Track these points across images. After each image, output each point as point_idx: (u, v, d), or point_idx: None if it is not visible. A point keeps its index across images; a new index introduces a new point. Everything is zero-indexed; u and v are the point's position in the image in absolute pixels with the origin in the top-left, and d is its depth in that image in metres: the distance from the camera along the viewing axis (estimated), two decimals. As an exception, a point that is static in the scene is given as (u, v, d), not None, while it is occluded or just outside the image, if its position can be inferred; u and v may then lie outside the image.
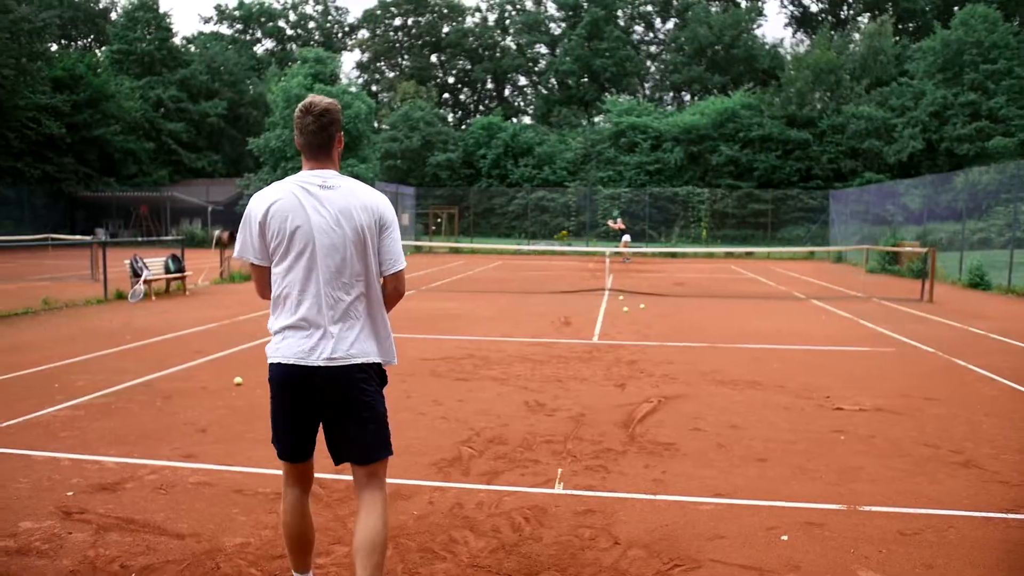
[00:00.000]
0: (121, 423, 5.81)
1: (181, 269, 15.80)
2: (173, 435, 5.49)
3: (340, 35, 73.44)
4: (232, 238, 20.20)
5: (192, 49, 53.30)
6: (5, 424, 5.73)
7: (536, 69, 69.53)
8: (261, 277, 2.95)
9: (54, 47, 51.75)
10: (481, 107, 72.41)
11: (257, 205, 2.82)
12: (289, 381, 2.82)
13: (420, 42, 71.69)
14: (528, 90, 72.96)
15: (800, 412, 6.29)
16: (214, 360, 8.41)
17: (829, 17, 61.88)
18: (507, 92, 73.44)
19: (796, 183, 42.88)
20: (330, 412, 2.86)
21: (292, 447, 2.91)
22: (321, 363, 2.77)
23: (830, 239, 34.45)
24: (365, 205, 2.83)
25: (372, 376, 2.89)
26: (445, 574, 3.40)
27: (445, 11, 70.18)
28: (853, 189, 34.06)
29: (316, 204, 2.78)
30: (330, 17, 72.45)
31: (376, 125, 60.96)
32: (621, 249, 26.98)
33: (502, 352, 9.01)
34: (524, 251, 32.97)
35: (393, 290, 2.99)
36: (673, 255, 32.55)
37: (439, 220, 40.09)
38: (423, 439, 5.45)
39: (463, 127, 61.99)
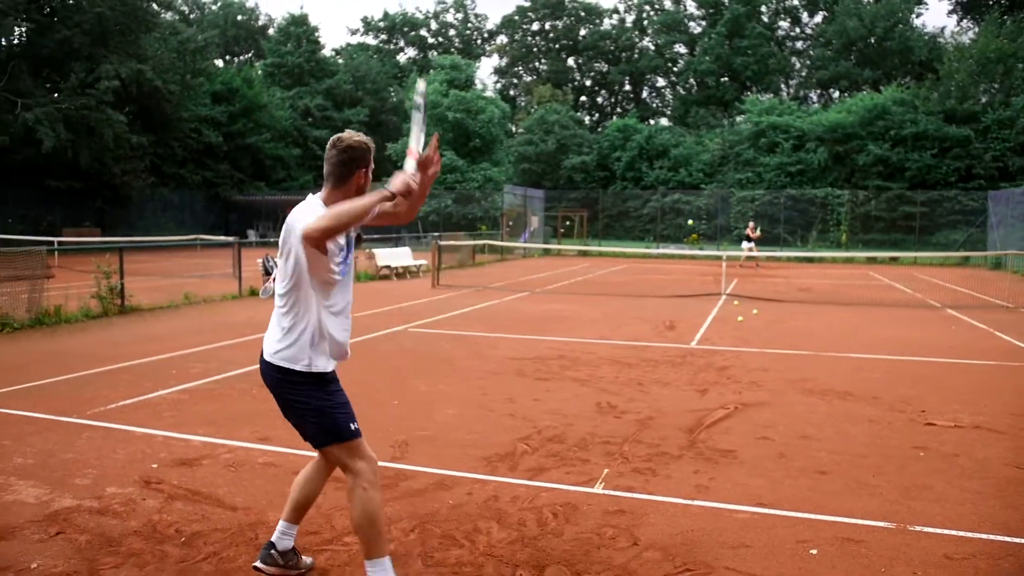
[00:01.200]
0: (217, 407, 6.36)
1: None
2: (257, 419, 5.95)
3: (479, 41, 75.29)
4: (360, 239, 21.31)
5: (338, 60, 56.32)
6: (121, 403, 6.41)
7: (674, 69, 68.36)
8: None
9: (220, 63, 56.43)
10: (618, 109, 72.04)
11: None
12: None
13: (557, 46, 72.27)
14: (666, 91, 71.92)
15: (885, 426, 5.95)
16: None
17: (1001, 1, 56.85)
18: (644, 94, 72.66)
19: (954, 183, 39.70)
20: None
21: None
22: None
23: (988, 244, 31.68)
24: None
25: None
26: (458, 560, 3.54)
27: (582, 14, 70.38)
28: (1021, 189, 31.14)
29: None
30: (469, 24, 74.41)
31: (512, 129, 62.16)
32: (745, 254, 26.25)
33: (593, 354, 9.03)
34: (652, 254, 32.53)
35: None
36: (809, 260, 31.07)
37: (568, 223, 40.23)
38: (483, 434, 5.61)
39: (599, 130, 61.90)
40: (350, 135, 3.16)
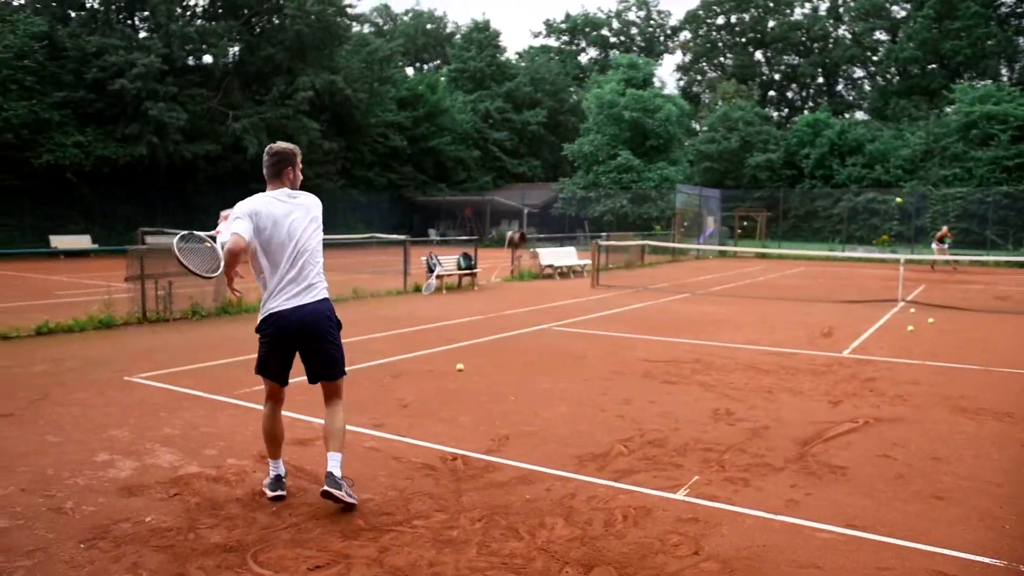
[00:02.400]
0: (347, 394, 6.80)
1: (471, 266, 17.45)
2: (378, 407, 6.34)
3: (661, 38, 74.06)
4: (523, 239, 21.75)
5: (519, 63, 57.65)
6: (259, 388, 7.04)
7: (873, 58, 63.42)
8: None
9: (410, 71, 59.69)
10: (809, 104, 68.06)
11: None
12: None
13: (744, 39, 69.50)
14: (863, 82, 66.87)
15: (1040, 452, 5.28)
16: (458, 347, 9.34)
17: None
18: (839, 86, 68.06)
19: None
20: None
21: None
22: None
23: None
24: None
25: None
26: (512, 552, 3.62)
27: (771, 5, 67.17)
28: None
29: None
30: (652, 21, 73.38)
31: (696, 127, 60.56)
32: (936, 257, 24.04)
33: (731, 359, 8.71)
34: (835, 257, 30.49)
35: None
36: (1020, 265, 27.75)
37: (746, 223, 38.62)
38: (586, 433, 5.62)
39: (788, 125, 58.84)
40: (280, 144, 4.27)
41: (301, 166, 4.30)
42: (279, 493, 4.24)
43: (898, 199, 37.15)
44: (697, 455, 5.13)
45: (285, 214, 4.06)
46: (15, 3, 29.00)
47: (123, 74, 26.73)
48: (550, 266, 20.74)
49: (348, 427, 5.64)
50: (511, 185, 47.97)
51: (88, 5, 29.78)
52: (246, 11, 33.24)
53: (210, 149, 29.79)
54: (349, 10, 35.58)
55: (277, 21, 32.09)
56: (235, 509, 4.11)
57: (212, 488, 4.41)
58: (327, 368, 4.23)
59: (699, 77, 72.60)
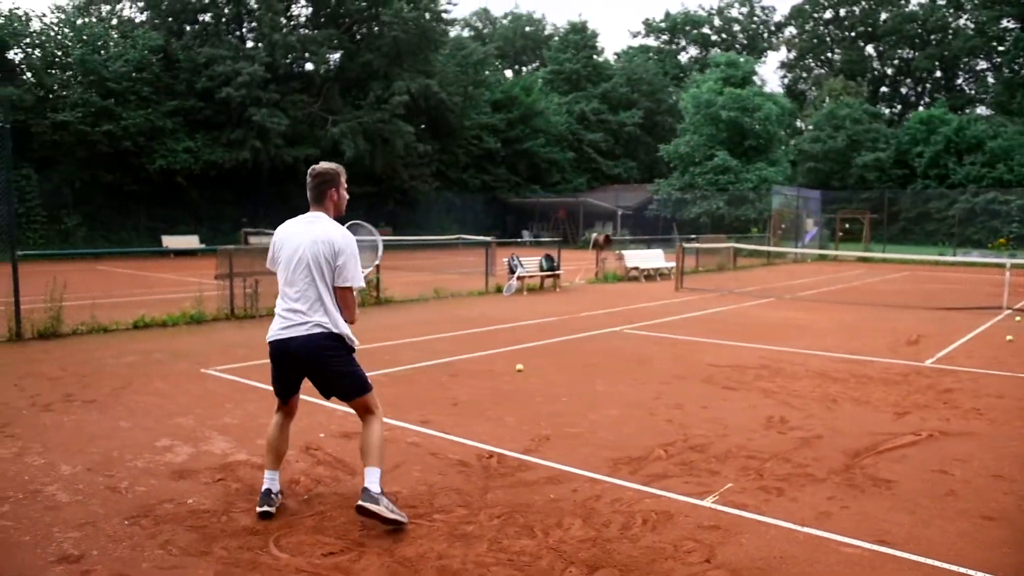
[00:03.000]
0: (403, 391, 7.03)
1: (553, 268, 17.49)
2: (429, 404, 6.49)
3: (765, 35, 71.85)
4: (608, 240, 21.61)
5: (614, 63, 57.21)
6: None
7: (999, 49, 59.41)
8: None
9: (509, 73, 60.27)
10: (924, 99, 64.46)
11: None
12: None
13: (853, 33, 66.55)
14: (987, 75, 62.72)
15: (1120, 474, 4.88)
16: (524, 348, 9.41)
17: None
18: (958, 80, 64.13)
19: None
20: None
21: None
22: None
23: None
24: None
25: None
26: (521, 549, 3.66)
27: (884, -4, 64.01)
28: None
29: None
30: (755, 18, 71.31)
31: (800, 125, 58.41)
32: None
33: (801, 366, 8.43)
34: (943, 261, 28.80)
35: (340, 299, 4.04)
36: None
37: (847, 225, 36.96)
38: (628, 436, 5.59)
39: (901, 123, 55.90)
40: (322, 165, 4.12)
41: (346, 186, 4.14)
42: (264, 509, 4.01)
43: (1001, 240, 34.70)
44: (737, 462, 5.02)
45: (296, 240, 3.95)
46: (137, 19, 31.13)
47: (229, 83, 28.24)
48: (635, 268, 20.53)
49: (394, 422, 5.84)
50: (605, 187, 47.70)
51: (201, 19, 31.61)
52: (347, 19, 34.45)
53: (309, 153, 31.03)
54: (444, 15, 36.32)
55: (376, 28, 33.12)
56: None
57: (254, 475, 4.66)
58: (338, 392, 4.11)
59: (804, 74, 70.03)
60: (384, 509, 3.78)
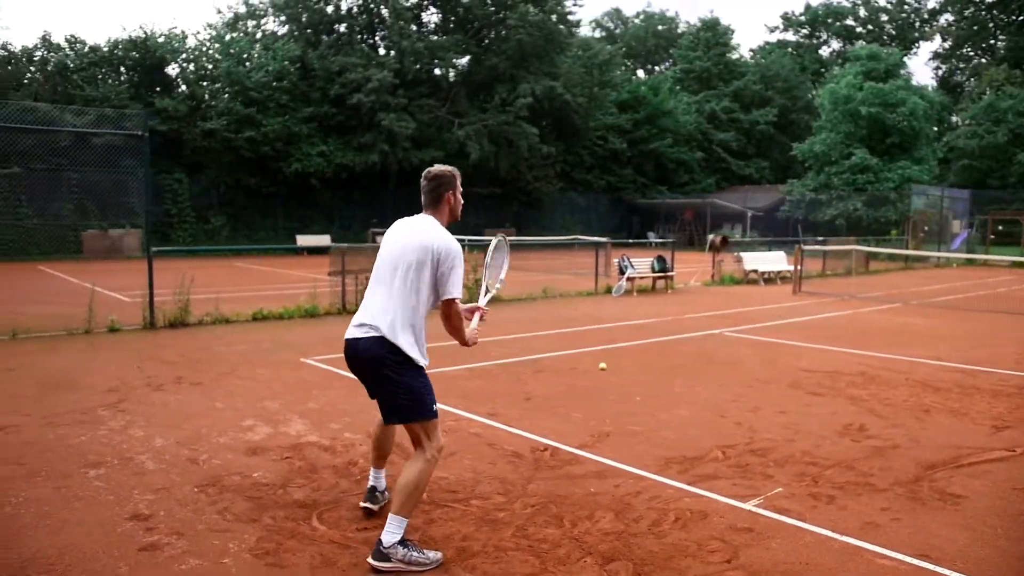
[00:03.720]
0: (481, 384, 7.24)
1: (665, 269, 17.25)
2: (502, 398, 6.66)
3: (917, 24, 67.24)
4: (725, 242, 21.03)
5: (749, 60, 55.36)
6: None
7: None
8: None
9: (641, 73, 59.62)
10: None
11: None
12: None
13: (1021, 18, 61.03)
14: None
15: None
16: (615, 348, 9.43)
17: None
18: None
19: None
20: None
21: None
22: None
23: None
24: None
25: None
26: (544, 537, 3.75)
27: (1057, -24, 58.31)
28: None
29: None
30: (905, 6, 66.90)
31: (954, 120, 54.27)
32: None
33: (903, 374, 7.97)
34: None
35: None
36: None
37: (1000, 227, 34.03)
38: (690, 437, 5.53)
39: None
40: (437, 167, 3.83)
41: (461, 189, 3.85)
42: (365, 505, 4.03)
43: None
44: (797, 468, 4.87)
45: (396, 241, 3.71)
46: (279, 32, 33.30)
47: (360, 89, 29.67)
48: (754, 271, 19.89)
49: (462, 412, 6.05)
50: (735, 187, 46.30)
51: (337, 29, 33.37)
52: (475, 24, 35.31)
53: (436, 155, 32.03)
54: (570, 17, 36.49)
55: (502, 32, 33.76)
56: (326, 474, 4.63)
57: (319, 455, 4.99)
58: (385, 410, 3.76)
59: (961, 64, 64.96)
60: (399, 564, 3.40)
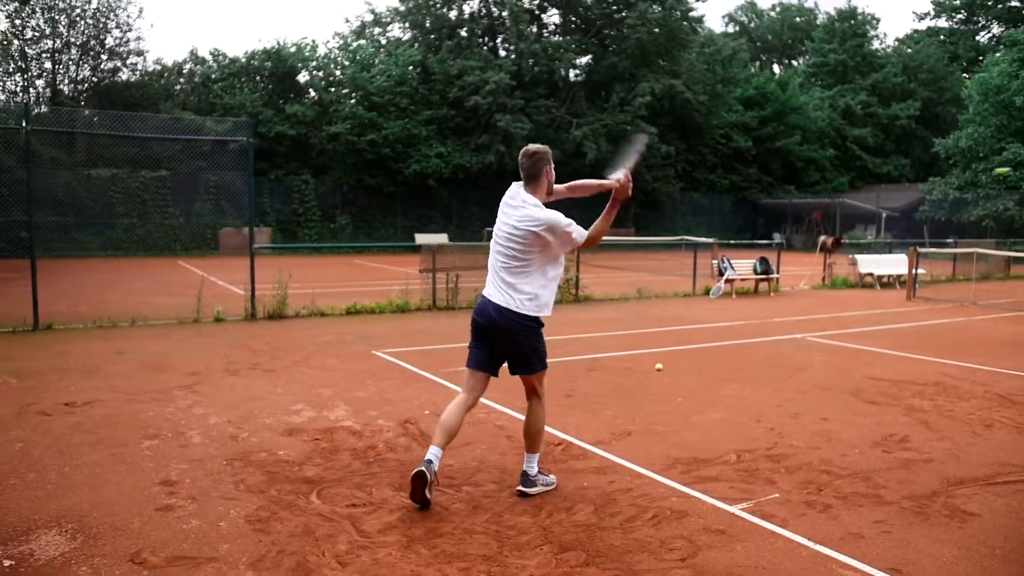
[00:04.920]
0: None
1: (768, 271, 16.74)
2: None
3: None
4: (837, 243, 20.07)
5: (890, 51, 52.07)
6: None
7: None
8: None
9: (776, 68, 57.35)
10: None
11: None
12: None
13: None
14: None
15: None
16: (683, 350, 9.38)
17: None
18: None
19: None
20: None
21: None
22: None
23: None
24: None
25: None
26: (513, 524, 3.93)
27: None
28: None
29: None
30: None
31: None
32: None
33: (983, 385, 7.48)
34: None
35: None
36: None
37: None
38: (712, 439, 5.51)
39: None
40: (534, 145, 4.46)
41: (553, 164, 4.44)
42: (418, 469, 4.06)
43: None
44: (807, 475, 4.78)
45: (504, 214, 4.32)
46: (403, 38, 34.69)
47: (478, 91, 30.45)
48: (869, 274, 18.90)
49: (495, 405, 6.30)
50: (869, 187, 43.77)
51: (458, 32, 34.36)
52: (596, 24, 35.34)
53: (552, 155, 32.37)
54: (692, 14, 35.79)
55: (624, 31, 33.58)
56: (344, 456, 5.00)
57: (345, 439, 5.38)
58: (513, 364, 4.35)
59: None
60: (541, 487, 4.36)
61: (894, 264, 19.47)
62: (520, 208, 4.25)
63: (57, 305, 11.85)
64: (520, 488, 4.34)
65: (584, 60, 36.18)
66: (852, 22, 48.23)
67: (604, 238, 4.61)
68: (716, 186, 40.82)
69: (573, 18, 36.24)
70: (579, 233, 4.29)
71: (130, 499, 4.18)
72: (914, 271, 16.28)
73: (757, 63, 65.55)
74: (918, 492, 4.53)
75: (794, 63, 65.12)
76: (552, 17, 36.60)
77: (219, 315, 11.13)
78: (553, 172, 4.44)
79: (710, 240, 20.13)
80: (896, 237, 35.73)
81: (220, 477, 4.56)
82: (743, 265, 16.78)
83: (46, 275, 17.74)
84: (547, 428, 5.65)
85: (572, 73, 35.21)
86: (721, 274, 16.18)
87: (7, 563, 3.45)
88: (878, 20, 51.89)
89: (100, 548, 3.59)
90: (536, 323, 4.29)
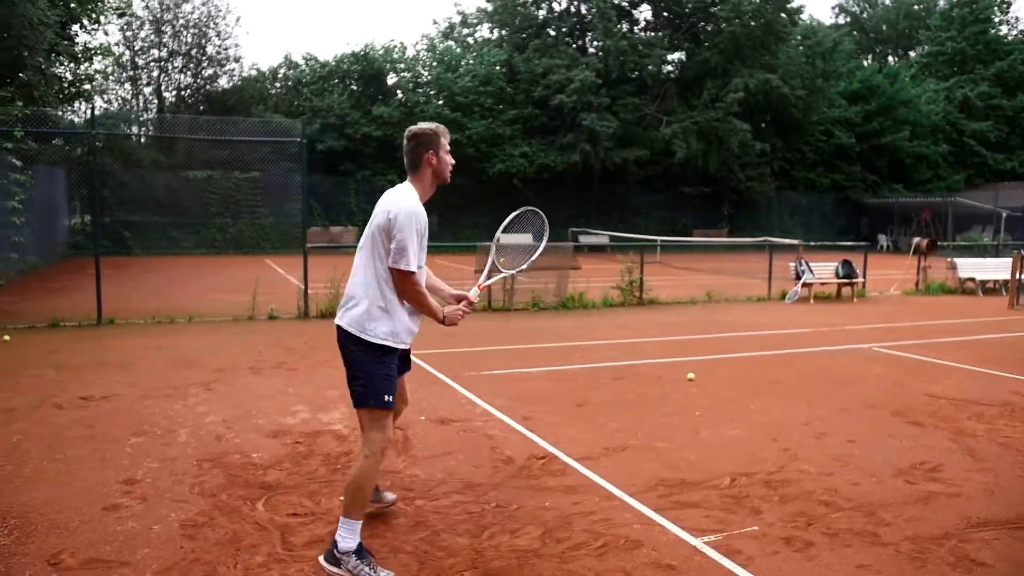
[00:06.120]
0: (543, 388, 7.16)
1: (851, 275, 15.69)
2: (550, 403, 6.54)
3: None
4: (933, 246, 18.60)
5: (1019, 37, 48.14)
6: (490, 372, 7.78)
7: None
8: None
9: (892, 60, 54.13)
10: None
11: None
12: None
13: None
14: None
15: None
16: (725, 358, 8.85)
17: None
18: None
19: None
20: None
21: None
22: None
23: None
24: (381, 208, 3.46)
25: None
26: (448, 546, 3.68)
27: None
28: None
29: None
30: None
31: None
32: None
33: (1058, 410, 6.65)
34: None
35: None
36: None
37: None
38: (710, 459, 5.09)
39: None
40: (418, 125, 3.56)
41: (448, 148, 3.59)
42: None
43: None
44: (801, 506, 4.31)
45: (374, 212, 3.51)
46: (491, 38, 34.78)
47: (563, 90, 30.12)
48: (971, 279, 17.44)
49: (497, 412, 6.06)
50: (989, 185, 40.62)
51: (545, 32, 34.14)
52: (688, 19, 34.37)
53: (640, 154, 31.69)
54: (791, 5, 34.18)
55: (720, 25, 32.45)
56: (314, 461, 4.89)
57: (326, 443, 5.27)
58: (351, 394, 3.55)
59: None
60: (345, 574, 3.30)
61: (999, 268, 17.88)
62: (386, 195, 3.52)
63: (130, 301, 12.41)
64: (320, 559, 3.40)
65: (675, 56, 35.24)
66: (974, 7, 44.87)
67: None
68: (816, 185, 38.85)
69: (665, 13, 35.35)
70: (407, 264, 3.34)
71: (84, 497, 4.20)
72: (1019, 276, 14.86)
73: (870, 56, 62.19)
74: (926, 533, 3.99)
75: (911, 54, 61.38)
76: (643, 13, 35.87)
77: (272, 313, 11.35)
78: (442, 160, 3.53)
79: (794, 241, 19.05)
80: (1019, 239, 32.99)
81: (181, 478, 4.53)
82: (824, 269, 15.80)
83: (139, 271, 18.80)
84: (540, 440, 5.40)
85: (664, 69, 34.33)
86: (798, 278, 15.29)
87: (-67, 559, 3.50)
88: (1008, 4, 48.21)
89: (26, 547, 3.59)
90: (364, 345, 3.41)
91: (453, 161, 3.64)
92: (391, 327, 3.45)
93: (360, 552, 3.35)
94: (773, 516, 4.15)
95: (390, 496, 4.08)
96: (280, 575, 3.38)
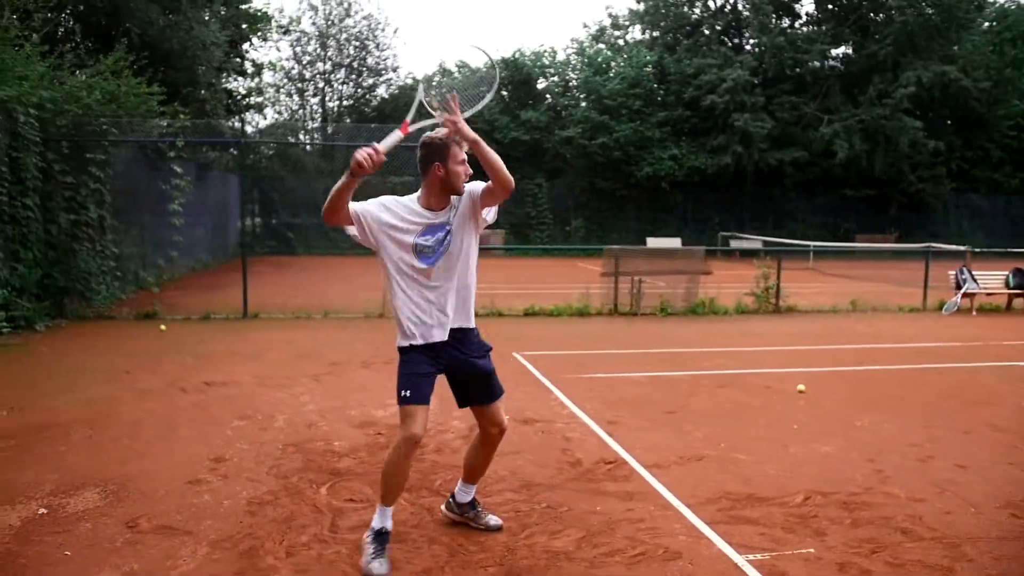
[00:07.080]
0: (639, 393, 7.04)
1: (1022, 285, 14.14)
2: (641, 408, 6.42)
3: None
4: None
5: None
6: (588, 375, 7.74)
7: None
8: None
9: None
10: None
11: None
12: None
13: None
14: None
15: None
16: (850, 371, 8.31)
17: None
18: None
19: None
20: None
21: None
22: None
23: None
24: None
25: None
26: (484, 542, 3.75)
27: None
28: None
29: None
30: None
31: None
32: None
33: None
34: None
35: None
36: None
37: None
38: (792, 475, 4.81)
39: None
40: (428, 135, 3.54)
41: (463, 159, 3.56)
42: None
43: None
44: (873, 532, 3.99)
45: None
46: (641, 39, 34.30)
47: (714, 90, 29.16)
48: None
49: (583, 416, 6.05)
50: None
51: (698, 30, 33.20)
52: (859, 10, 32.25)
53: (797, 156, 30.12)
54: (978, -11, 31.18)
55: (893, 14, 30.17)
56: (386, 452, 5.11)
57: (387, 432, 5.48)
58: None
59: None
60: (363, 543, 3.50)
61: None
62: None
63: (276, 297, 13.37)
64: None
65: (839, 51, 33.15)
66: None
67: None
68: (1002, 186, 35.12)
69: (829, 5, 33.33)
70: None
71: (175, 471, 4.64)
72: None
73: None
74: (1016, 573, 3.59)
75: None
76: (805, 7, 34.01)
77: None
78: (452, 172, 3.49)
79: (961, 248, 17.41)
80: None
81: (265, 460, 4.89)
82: (994, 277, 14.35)
83: (295, 270, 20.24)
84: (615, 445, 5.35)
85: (826, 64, 32.37)
86: (959, 287, 13.98)
87: (41, 511, 4.01)
88: None
89: (115, 509, 4.04)
90: (400, 350, 3.61)
91: (470, 171, 3.58)
92: (401, 327, 3.58)
93: (378, 535, 3.46)
94: (836, 539, 3.88)
95: (494, 521, 3.92)
96: (318, 554, 3.59)
